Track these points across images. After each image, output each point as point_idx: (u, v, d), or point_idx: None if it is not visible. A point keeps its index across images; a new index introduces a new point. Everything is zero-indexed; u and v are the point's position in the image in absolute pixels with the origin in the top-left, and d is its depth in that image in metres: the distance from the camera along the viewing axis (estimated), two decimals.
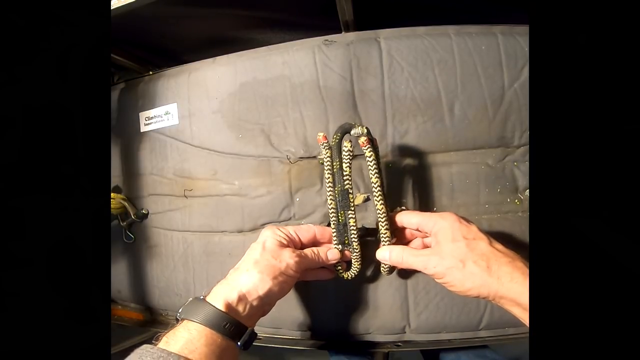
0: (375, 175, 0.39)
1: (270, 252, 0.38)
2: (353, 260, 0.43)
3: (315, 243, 0.44)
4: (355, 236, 0.41)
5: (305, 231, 0.43)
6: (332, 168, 0.40)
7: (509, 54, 0.47)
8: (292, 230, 0.42)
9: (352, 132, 0.38)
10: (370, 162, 0.38)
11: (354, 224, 0.40)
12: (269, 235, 0.40)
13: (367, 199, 0.49)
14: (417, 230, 0.41)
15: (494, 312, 0.46)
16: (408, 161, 0.48)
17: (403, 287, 0.48)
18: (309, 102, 0.49)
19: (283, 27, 0.60)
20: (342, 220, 0.41)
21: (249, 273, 0.37)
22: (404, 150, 0.48)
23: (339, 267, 0.44)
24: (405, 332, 0.48)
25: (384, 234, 0.40)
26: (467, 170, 0.48)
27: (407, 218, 0.41)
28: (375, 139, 0.40)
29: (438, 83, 0.47)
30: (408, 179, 0.48)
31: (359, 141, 0.38)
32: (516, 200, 0.47)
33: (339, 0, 0.45)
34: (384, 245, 0.41)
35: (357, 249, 0.41)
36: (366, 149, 0.38)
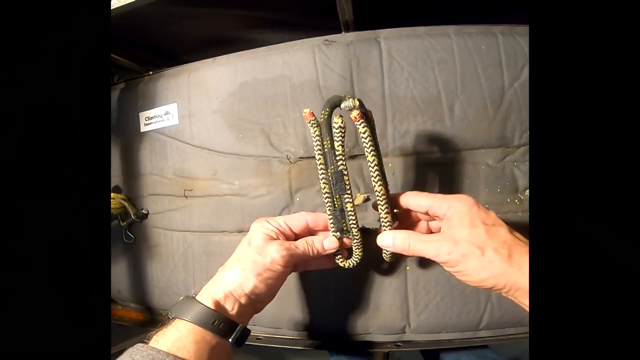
0: (372, 153, 0.34)
1: (255, 247, 0.36)
2: (354, 248, 0.39)
3: (311, 232, 0.40)
4: (354, 222, 0.37)
5: (296, 220, 0.39)
6: (323, 148, 0.35)
7: (509, 54, 0.47)
8: (282, 221, 0.39)
9: (343, 105, 0.33)
10: (365, 138, 0.34)
11: (352, 209, 0.36)
12: (257, 229, 0.38)
13: (367, 199, 0.49)
14: (426, 213, 0.37)
15: (494, 312, 0.46)
16: (408, 161, 0.48)
17: (403, 287, 0.48)
18: (309, 102, 0.49)
19: (283, 27, 0.60)
20: (338, 205, 0.36)
21: (232, 271, 0.36)
22: (404, 150, 0.48)
23: (339, 256, 0.41)
24: (405, 332, 0.48)
25: (384, 218, 0.36)
26: (467, 170, 0.48)
27: (415, 199, 0.37)
28: (370, 112, 0.36)
29: (438, 83, 0.47)
30: (408, 179, 0.48)
31: (351, 116, 0.33)
32: (516, 200, 0.47)
33: (339, 0, 0.45)
34: (384, 229, 0.37)
35: (357, 236, 0.37)
36: (359, 124, 0.33)
